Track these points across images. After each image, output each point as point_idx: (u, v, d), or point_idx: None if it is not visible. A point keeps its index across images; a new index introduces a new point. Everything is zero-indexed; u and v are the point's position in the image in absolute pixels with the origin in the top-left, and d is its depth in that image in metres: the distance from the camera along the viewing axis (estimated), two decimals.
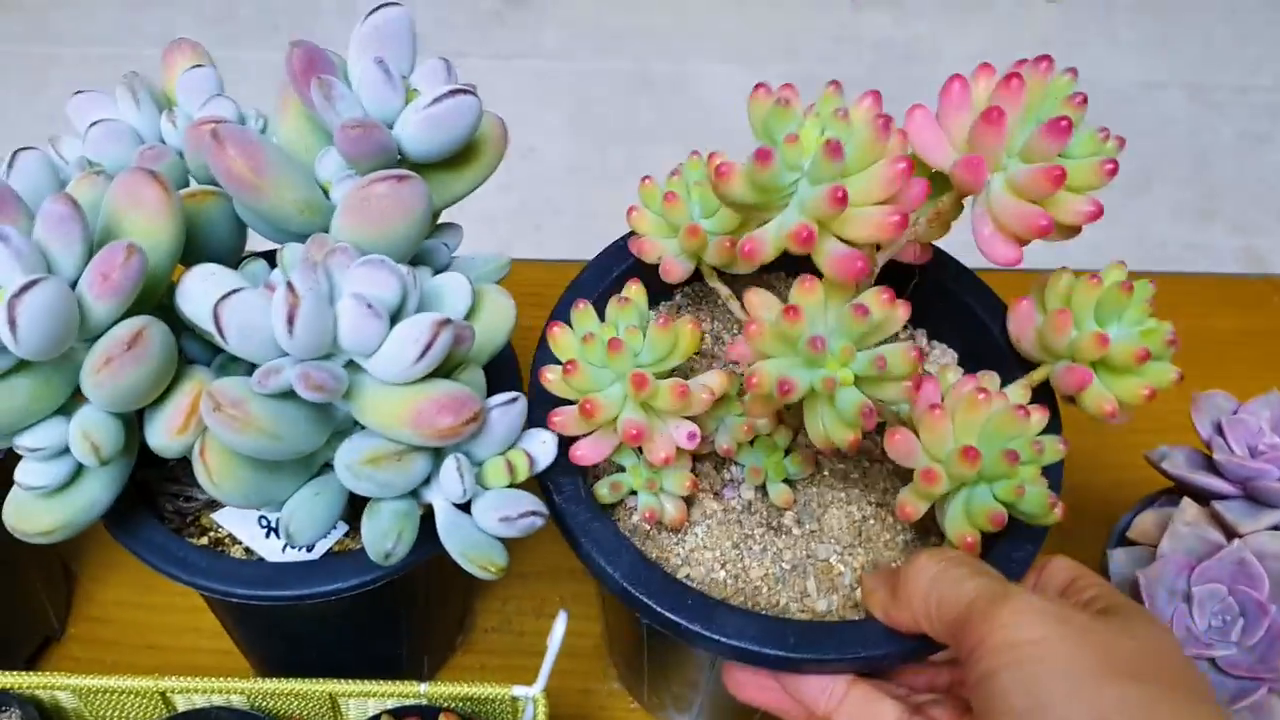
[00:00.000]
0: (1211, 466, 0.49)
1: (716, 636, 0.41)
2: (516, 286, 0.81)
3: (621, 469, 0.46)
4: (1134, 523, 0.51)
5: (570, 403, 0.43)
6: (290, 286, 0.36)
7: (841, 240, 0.39)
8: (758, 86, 0.40)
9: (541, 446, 0.42)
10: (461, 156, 0.43)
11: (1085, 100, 0.40)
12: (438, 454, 0.40)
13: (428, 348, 0.37)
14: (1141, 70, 1.88)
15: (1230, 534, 0.48)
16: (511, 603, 0.64)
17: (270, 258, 0.47)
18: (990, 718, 0.34)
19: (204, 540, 0.47)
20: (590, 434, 0.43)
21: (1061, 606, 0.36)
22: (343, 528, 0.48)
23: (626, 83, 1.78)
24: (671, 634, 0.42)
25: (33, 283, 0.34)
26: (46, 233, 0.37)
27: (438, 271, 0.46)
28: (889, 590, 0.40)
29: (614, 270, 0.52)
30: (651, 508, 0.45)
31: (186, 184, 0.45)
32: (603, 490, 0.46)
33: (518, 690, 0.50)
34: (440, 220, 0.48)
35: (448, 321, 0.37)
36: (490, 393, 0.42)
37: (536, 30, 1.82)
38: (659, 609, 0.41)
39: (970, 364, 0.51)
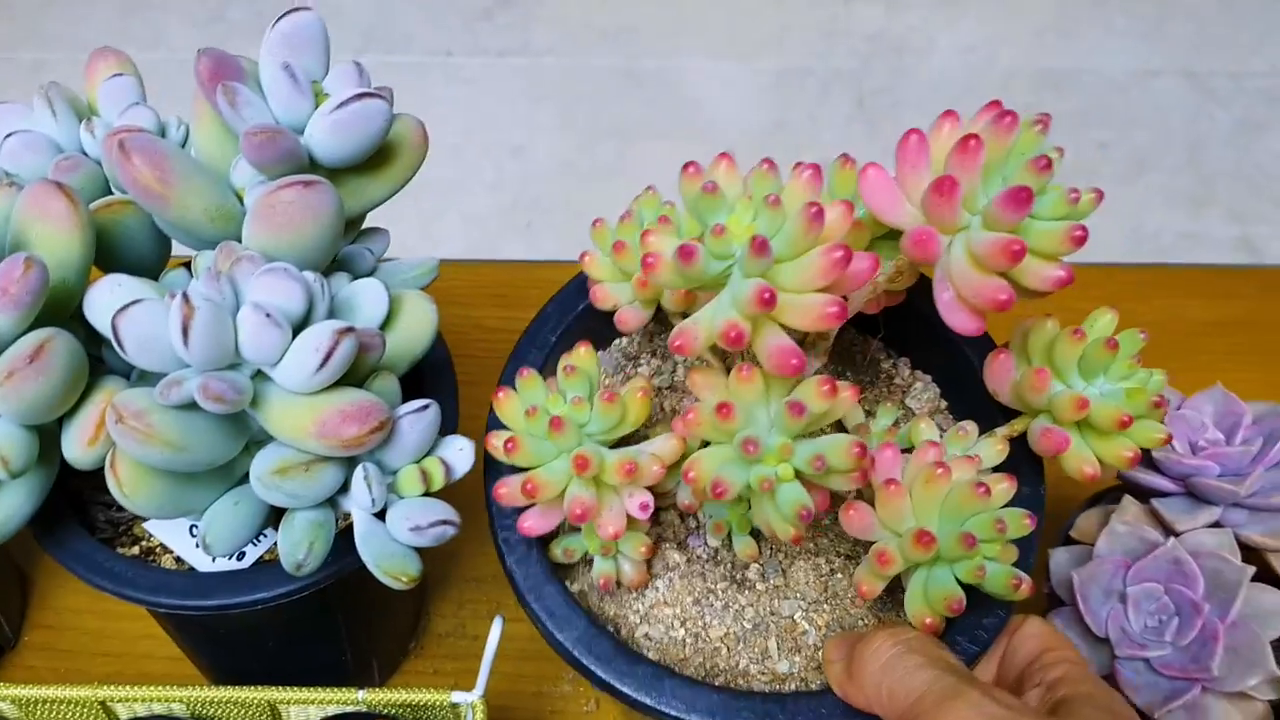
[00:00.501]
0: (1154, 463, 0.49)
1: (665, 709, 0.40)
2: (488, 287, 0.81)
3: (577, 530, 0.44)
4: (1076, 521, 0.51)
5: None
6: (185, 297, 0.35)
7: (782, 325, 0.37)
8: (688, 165, 0.39)
9: (459, 454, 0.41)
10: (376, 160, 0.43)
11: (1049, 165, 0.37)
12: (351, 463, 0.40)
13: (328, 356, 0.37)
14: (1137, 58, 1.87)
15: (1169, 532, 0.47)
16: (466, 607, 0.64)
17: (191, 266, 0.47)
18: None
19: (135, 550, 0.47)
20: (536, 505, 0.42)
21: (1010, 711, 0.34)
22: (273, 535, 0.48)
23: (616, 79, 1.78)
24: (621, 703, 0.41)
25: None
26: None
27: (359, 277, 0.46)
28: (845, 665, 0.39)
29: (577, 306, 0.50)
30: (606, 574, 0.44)
31: (108, 193, 0.45)
32: (556, 552, 0.44)
33: (457, 696, 0.49)
34: (370, 225, 0.48)
35: (350, 329, 0.37)
36: (418, 397, 0.42)
37: (525, 28, 1.82)
38: (607, 678, 0.40)
39: (953, 397, 0.49)
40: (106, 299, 0.38)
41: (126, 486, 0.39)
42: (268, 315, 0.36)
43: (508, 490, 0.40)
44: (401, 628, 0.61)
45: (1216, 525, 0.47)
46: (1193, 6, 1.94)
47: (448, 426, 0.48)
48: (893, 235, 0.42)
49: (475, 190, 1.62)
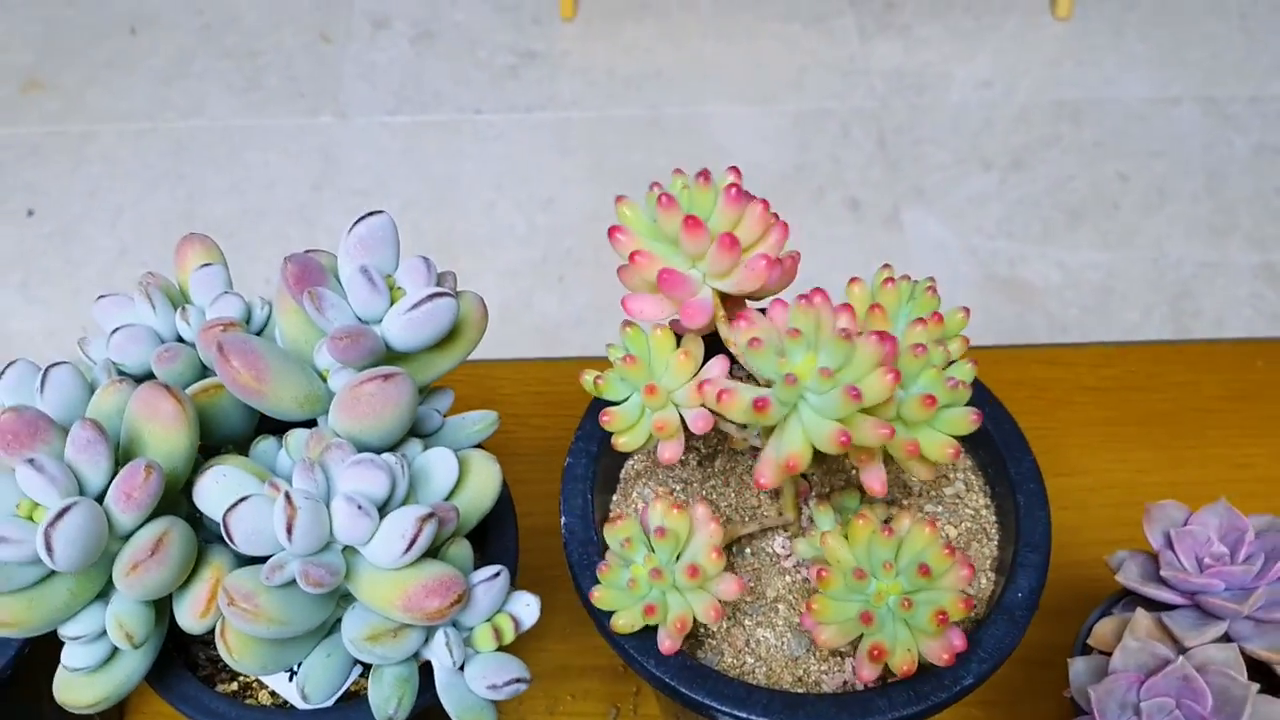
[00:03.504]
0: (1163, 580, 0.53)
1: None
2: (531, 385, 0.86)
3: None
4: (1094, 629, 0.55)
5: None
6: (288, 499, 0.40)
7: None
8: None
9: (525, 609, 0.46)
10: (445, 340, 0.48)
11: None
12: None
13: (413, 542, 0.41)
14: (1154, 86, 1.89)
15: (1180, 647, 0.51)
16: (525, 703, 0.69)
17: (282, 428, 0.52)
18: None
19: (233, 685, 0.52)
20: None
21: None
22: (357, 669, 0.53)
23: (641, 128, 1.82)
24: None
25: (65, 509, 0.39)
26: (76, 454, 0.42)
27: (428, 435, 0.51)
28: None
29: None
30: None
31: (203, 373, 0.50)
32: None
33: None
34: (433, 384, 0.53)
35: (430, 515, 0.42)
36: (484, 546, 0.46)
37: (551, 82, 1.87)
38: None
39: None
40: (214, 489, 0.43)
41: (236, 652, 0.44)
42: (359, 507, 0.41)
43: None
44: None
45: (1225, 638, 0.51)
46: (1210, 32, 1.97)
47: (508, 562, 0.53)
48: None
49: (508, 245, 1.67)
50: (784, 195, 1.84)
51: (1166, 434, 0.79)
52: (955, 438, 0.45)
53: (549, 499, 0.60)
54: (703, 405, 0.48)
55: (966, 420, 0.45)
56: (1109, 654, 0.54)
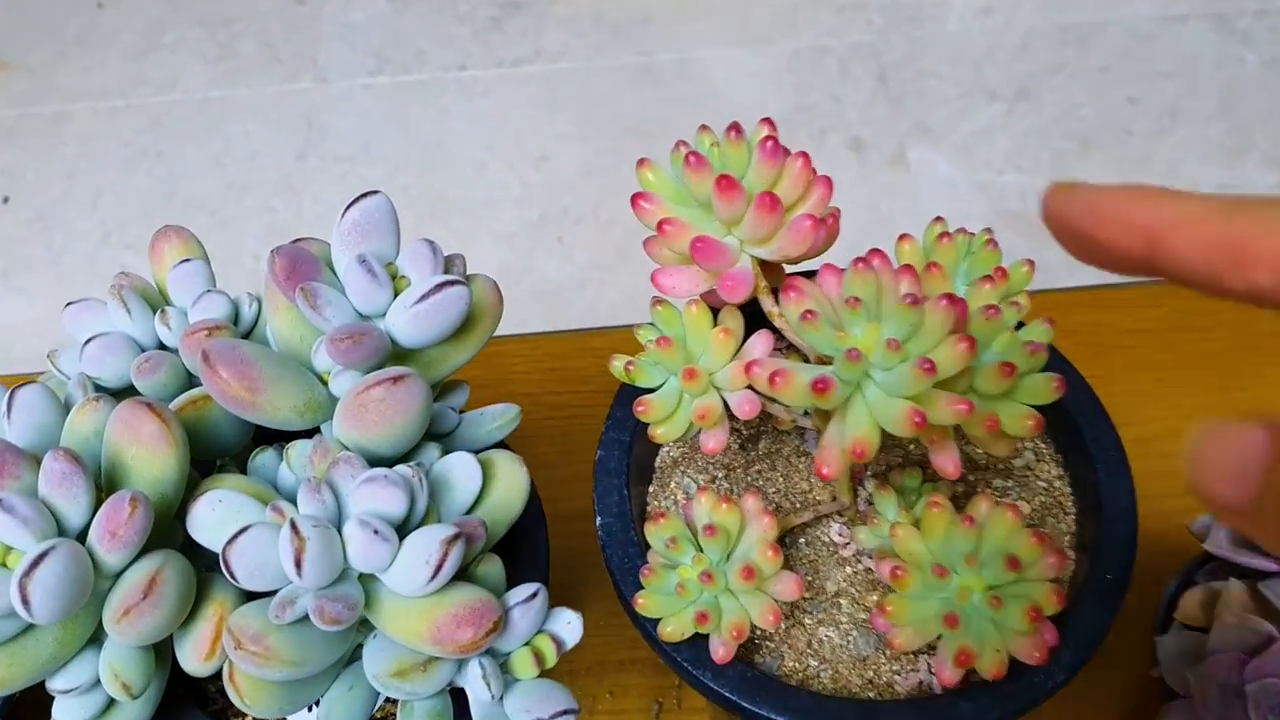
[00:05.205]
0: (1254, 544, 0.48)
1: None
2: (543, 361, 0.81)
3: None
4: (1180, 603, 0.50)
5: None
6: (295, 528, 0.35)
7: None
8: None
9: (567, 628, 0.41)
10: (457, 332, 0.42)
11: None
12: None
13: (439, 568, 0.37)
14: (1159, 4, 1.83)
15: (1278, 617, 0.47)
16: None
17: (281, 437, 0.47)
18: None
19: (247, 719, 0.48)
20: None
21: None
22: (382, 695, 0.48)
23: (632, 77, 1.76)
24: None
25: (42, 555, 0.35)
26: (50, 489, 0.37)
27: (444, 436, 0.46)
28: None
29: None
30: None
31: (190, 382, 0.44)
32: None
33: None
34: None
35: (457, 536, 0.37)
36: (513, 555, 0.42)
37: (537, 34, 1.80)
38: None
39: None
40: (210, 518, 0.38)
41: (247, 697, 0.39)
42: (375, 531, 0.36)
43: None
44: None
45: None
46: None
47: (539, 571, 0.48)
48: None
49: (503, 206, 1.61)
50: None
51: (1221, 376, 0.75)
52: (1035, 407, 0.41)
53: (571, 483, 0.55)
54: (748, 388, 0.43)
55: (1050, 387, 0.40)
56: (1198, 629, 0.49)
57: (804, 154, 0.40)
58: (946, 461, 0.40)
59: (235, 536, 0.36)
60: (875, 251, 0.37)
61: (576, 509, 0.54)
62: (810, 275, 0.40)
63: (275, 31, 1.80)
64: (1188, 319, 0.79)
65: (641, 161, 0.43)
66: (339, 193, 1.62)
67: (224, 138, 1.68)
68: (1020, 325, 0.43)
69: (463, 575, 0.40)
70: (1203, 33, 1.78)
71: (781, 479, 0.50)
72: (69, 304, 0.45)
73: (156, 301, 0.46)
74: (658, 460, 0.52)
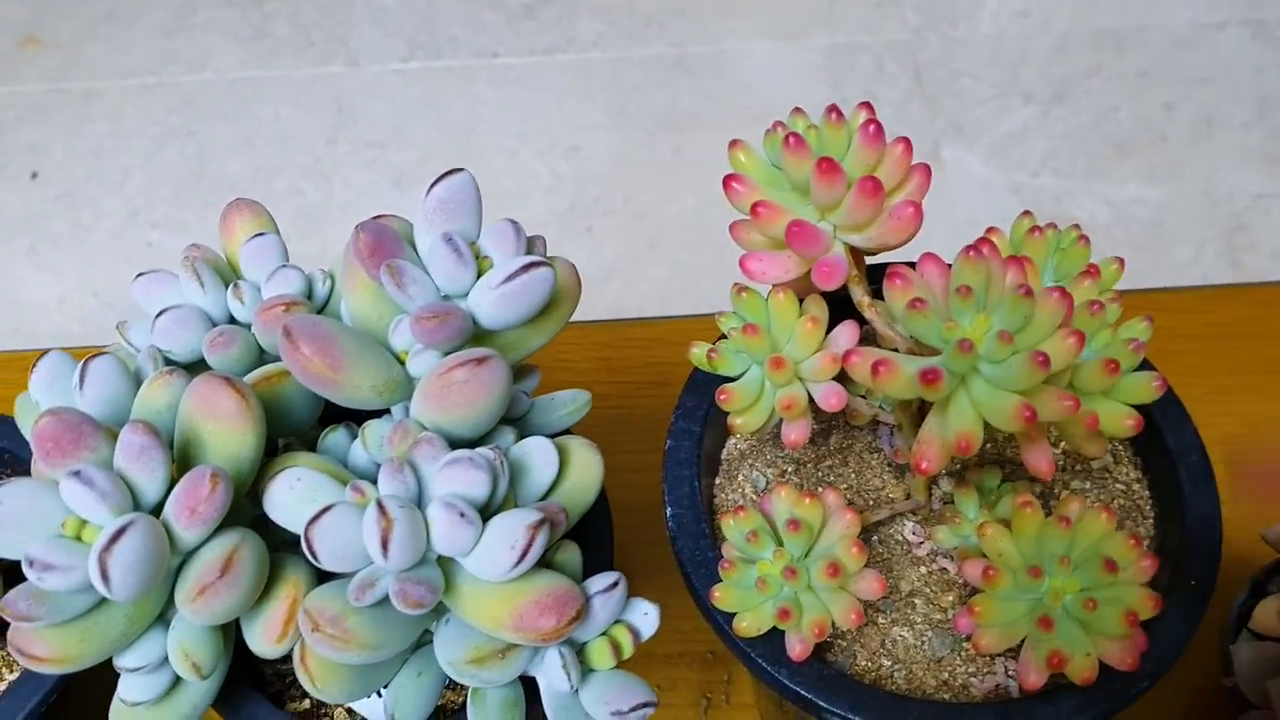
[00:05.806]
0: None
1: None
2: (590, 349, 0.80)
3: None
4: (1255, 613, 0.49)
5: None
6: (381, 508, 0.34)
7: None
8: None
9: (644, 618, 0.40)
10: (538, 315, 0.42)
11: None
12: None
13: (525, 553, 0.36)
14: (1199, 10, 1.81)
15: None
16: None
17: (347, 415, 0.46)
18: None
19: (305, 704, 0.47)
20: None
21: None
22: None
23: (665, 68, 1.75)
24: None
25: (121, 530, 0.34)
26: (128, 463, 0.36)
27: (517, 419, 0.45)
28: None
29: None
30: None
31: (260, 358, 0.44)
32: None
33: None
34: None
35: (543, 521, 0.36)
36: (582, 544, 0.41)
37: (570, 22, 1.79)
38: None
39: None
40: (288, 497, 0.37)
41: (319, 681, 0.38)
42: (461, 514, 0.36)
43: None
44: None
45: None
46: None
47: (605, 558, 0.47)
48: None
49: (533, 196, 1.60)
50: None
51: (1278, 382, 0.74)
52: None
53: (620, 472, 0.54)
54: (834, 379, 0.42)
55: (1150, 387, 0.39)
56: (1273, 639, 0.48)
57: (905, 139, 0.39)
58: (1040, 460, 0.39)
59: (318, 516, 0.35)
60: (984, 240, 0.36)
61: (625, 501, 0.53)
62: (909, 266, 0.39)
63: (307, 13, 1.79)
64: (1241, 325, 0.78)
65: (734, 142, 0.42)
66: (368, 178, 1.61)
67: (255, 119, 1.67)
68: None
69: (542, 562, 0.39)
70: (1241, 39, 1.77)
71: (854, 475, 0.49)
72: (139, 275, 0.44)
73: (228, 275, 0.45)
74: (724, 452, 0.51)
